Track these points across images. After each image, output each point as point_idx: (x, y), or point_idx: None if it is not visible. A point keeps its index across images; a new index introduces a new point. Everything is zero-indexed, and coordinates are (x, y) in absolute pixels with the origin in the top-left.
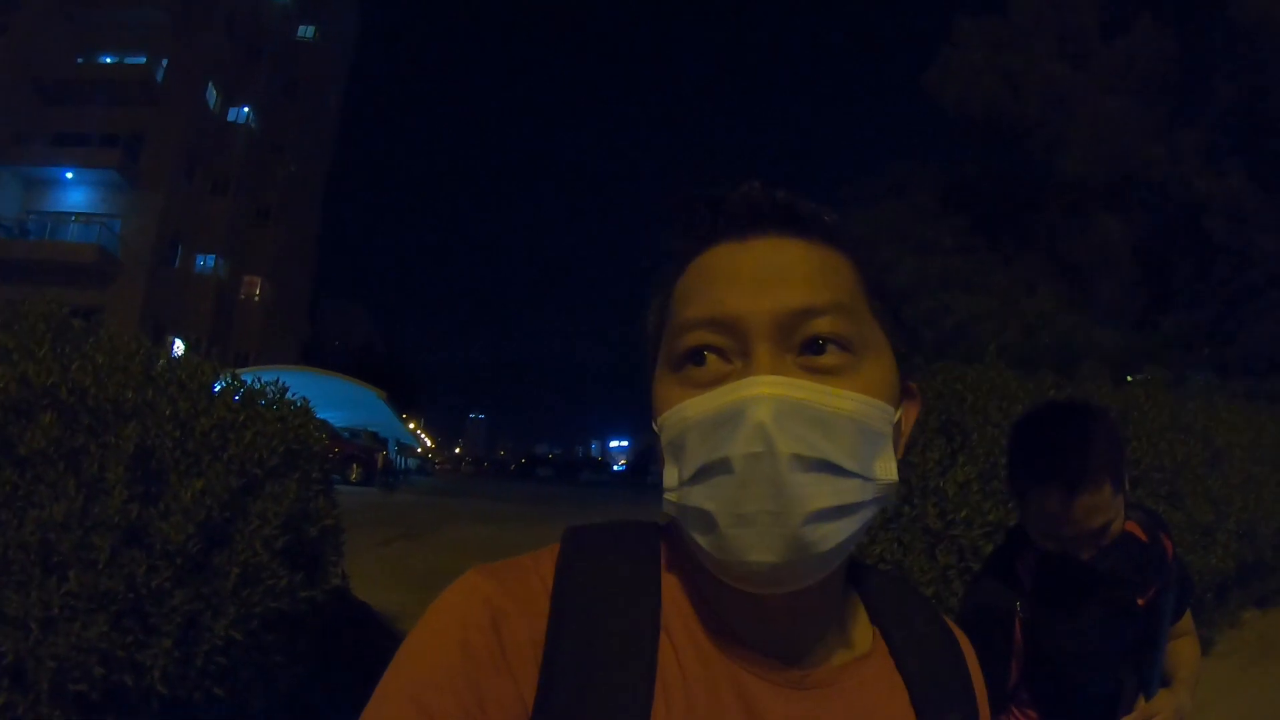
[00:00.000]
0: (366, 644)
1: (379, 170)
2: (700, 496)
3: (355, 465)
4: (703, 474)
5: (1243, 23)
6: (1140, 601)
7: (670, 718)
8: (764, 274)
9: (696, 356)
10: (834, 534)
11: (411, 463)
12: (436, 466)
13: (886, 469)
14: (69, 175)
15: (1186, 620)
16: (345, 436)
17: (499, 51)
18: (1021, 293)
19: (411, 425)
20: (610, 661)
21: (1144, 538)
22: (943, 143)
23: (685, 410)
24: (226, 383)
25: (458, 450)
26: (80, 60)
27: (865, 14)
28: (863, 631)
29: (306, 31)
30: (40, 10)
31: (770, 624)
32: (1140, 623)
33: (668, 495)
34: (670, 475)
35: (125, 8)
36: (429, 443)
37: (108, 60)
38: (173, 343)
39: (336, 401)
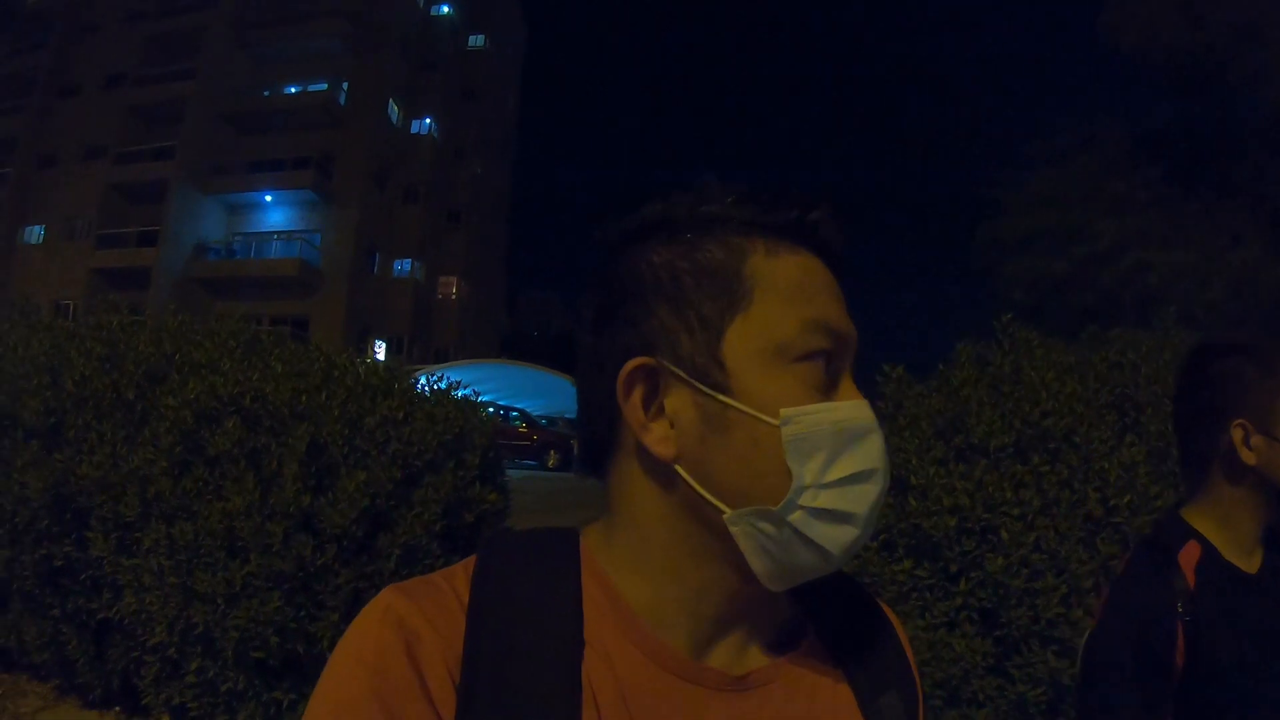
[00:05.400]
0: None
1: (560, 162)
2: (842, 498)
3: (552, 452)
4: (853, 479)
5: None
6: None
7: None
8: (844, 304)
9: (822, 362)
10: None
11: None
12: None
13: None
14: (267, 198)
15: None
16: (543, 424)
17: (663, 31)
18: (1225, 245)
19: None
20: (530, 680)
21: None
22: (1128, 91)
23: (835, 414)
24: (418, 383)
25: None
26: (267, 93)
27: None
28: (796, 621)
29: (477, 41)
30: (224, 51)
31: (726, 623)
32: None
33: (796, 497)
34: (804, 472)
35: (302, 40)
36: None
37: (292, 90)
38: (375, 344)
39: (535, 390)
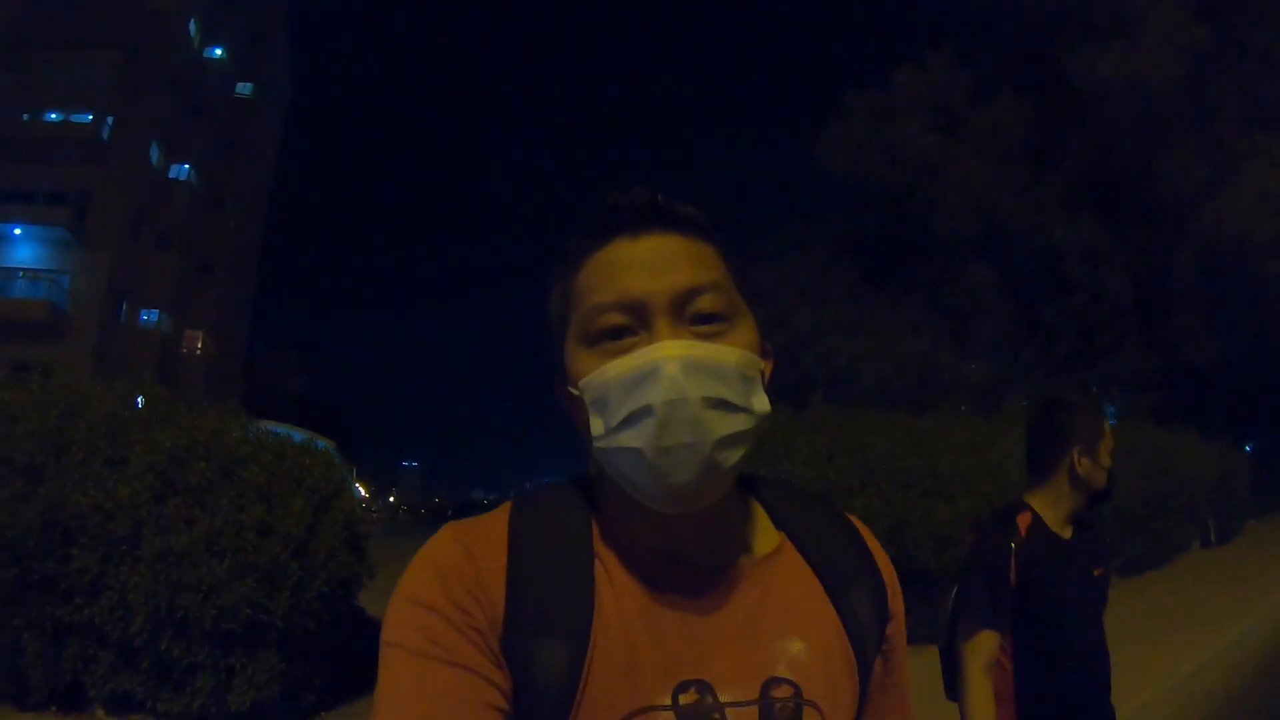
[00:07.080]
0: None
1: (314, 222)
2: (628, 438)
3: None
4: (630, 419)
5: (1088, 90)
6: (1097, 572)
7: (606, 619)
8: (656, 262)
9: (610, 333)
10: (733, 455)
11: None
12: (374, 515)
13: (762, 403)
14: (16, 231)
15: None
16: None
17: (425, 99)
18: (905, 334)
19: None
20: (559, 581)
21: (1093, 526)
22: (837, 202)
23: (607, 372)
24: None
25: (392, 499)
26: (27, 118)
27: (764, 84)
28: (768, 534)
29: (245, 89)
30: None
31: (685, 539)
32: (1097, 590)
33: (596, 443)
34: (597, 426)
35: (71, 67)
36: (364, 492)
37: (54, 118)
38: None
39: None
